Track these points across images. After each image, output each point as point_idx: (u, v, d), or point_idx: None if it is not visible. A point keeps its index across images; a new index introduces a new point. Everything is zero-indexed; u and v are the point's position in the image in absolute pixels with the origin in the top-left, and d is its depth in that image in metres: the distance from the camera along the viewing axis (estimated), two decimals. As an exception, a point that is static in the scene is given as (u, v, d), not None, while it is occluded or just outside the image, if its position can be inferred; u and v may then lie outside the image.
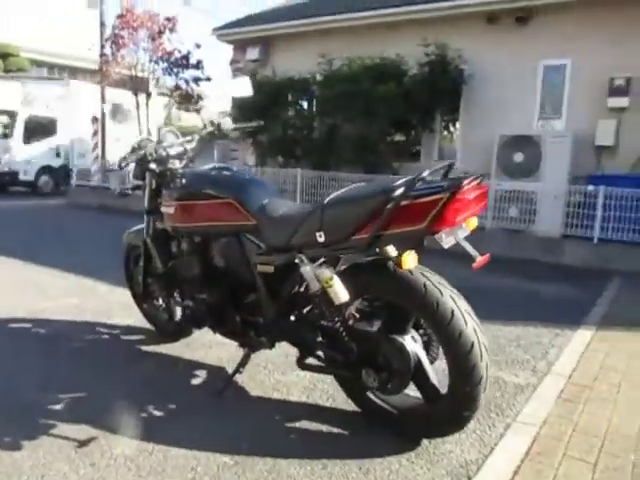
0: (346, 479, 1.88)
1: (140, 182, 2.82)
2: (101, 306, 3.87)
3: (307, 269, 2.02)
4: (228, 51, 10.71)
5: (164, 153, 2.63)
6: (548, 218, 7.00)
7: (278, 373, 2.77)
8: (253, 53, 10.09)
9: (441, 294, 1.86)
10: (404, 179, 1.83)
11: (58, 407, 2.35)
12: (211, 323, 2.53)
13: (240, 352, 2.51)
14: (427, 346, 2.10)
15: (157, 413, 2.32)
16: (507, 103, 7.76)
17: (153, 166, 2.64)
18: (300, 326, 2.21)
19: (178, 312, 3.11)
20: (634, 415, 2.43)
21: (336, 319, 2.04)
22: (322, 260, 2.08)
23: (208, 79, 11.82)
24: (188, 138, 2.76)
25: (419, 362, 2.01)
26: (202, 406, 2.39)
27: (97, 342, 3.21)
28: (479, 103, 8.09)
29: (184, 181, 2.50)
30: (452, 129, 8.58)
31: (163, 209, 2.59)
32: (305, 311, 2.20)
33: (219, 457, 1.99)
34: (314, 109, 9.12)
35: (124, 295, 3.69)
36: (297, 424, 2.27)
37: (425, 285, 1.87)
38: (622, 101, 7.00)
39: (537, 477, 1.91)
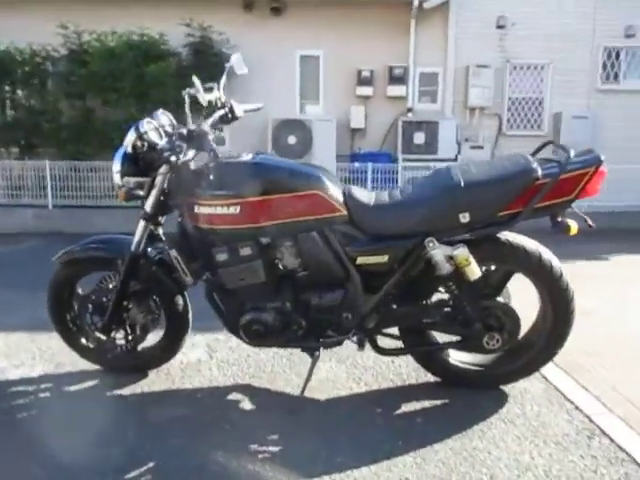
0: (512, 435, 2.06)
1: (142, 179, 2.17)
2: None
3: (439, 252, 2.06)
4: None
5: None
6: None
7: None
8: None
9: (551, 257, 2.19)
10: (529, 158, 2.07)
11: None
12: (281, 333, 2.22)
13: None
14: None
15: (270, 449, 1.98)
16: (273, 88, 8.17)
17: (174, 158, 2.09)
18: (411, 311, 2.21)
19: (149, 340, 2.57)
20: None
21: (466, 295, 2.15)
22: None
23: None
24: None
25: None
26: (294, 427, 2.14)
27: (45, 403, 2.36)
28: (247, 87, 8.25)
29: (246, 174, 2.10)
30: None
31: (206, 210, 2.10)
32: (417, 294, 2.21)
33: (400, 472, 1.89)
34: (56, 89, 7.71)
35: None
36: (401, 410, 2.27)
37: (539, 251, 2.16)
38: (368, 90, 8.26)
39: (598, 384, 2.47)
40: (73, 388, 2.49)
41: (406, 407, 2.29)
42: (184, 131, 2.14)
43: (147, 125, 2.15)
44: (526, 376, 2.42)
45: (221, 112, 2.37)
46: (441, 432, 2.07)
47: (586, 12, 8.14)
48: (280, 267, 2.19)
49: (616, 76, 8.29)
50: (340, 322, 2.24)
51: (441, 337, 2.40)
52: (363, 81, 8.25)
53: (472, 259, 2.05)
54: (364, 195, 2.20)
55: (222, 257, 2.14)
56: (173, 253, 2.19)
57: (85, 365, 2.68)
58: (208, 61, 7.59)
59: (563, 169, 1.97)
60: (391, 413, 2.25)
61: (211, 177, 2.08)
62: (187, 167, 2.16)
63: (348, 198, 2.16)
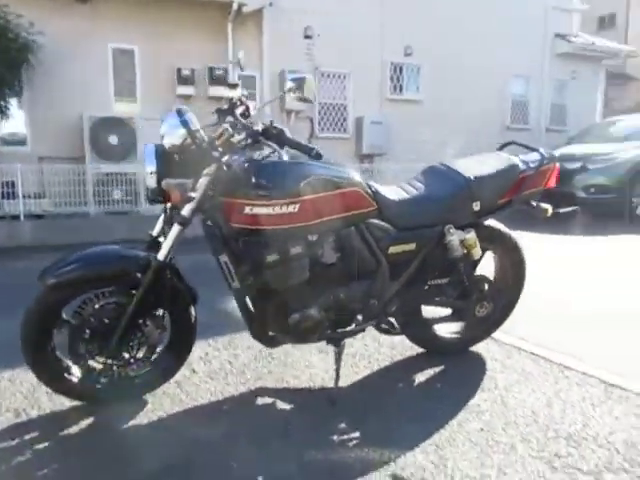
0: (514, 382, 2.52)
1: (183, 181, 1.95)
2: None
3: (455, 237, 2.40)
4: None
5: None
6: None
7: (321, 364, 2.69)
8: None
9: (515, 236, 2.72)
10: (509, 155, 2.55)
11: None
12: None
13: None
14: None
15: (351, 435, 2.06)
16: (85, 82, 7.36)
17: (226, 158, 1.95)
18: (424, 292, 2.49)
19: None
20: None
21: (467, 272, 2.52)
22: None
23: None
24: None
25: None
26: (345, 413, 2.24)
27: (56, 454, 1.95)
28: (55, 80, 7.25)
29: (302, 173, 2.08)
30: (19, 108, 7.26)
31: (262, 210, 2.00)
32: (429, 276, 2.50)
33: (471, 426, 2.17)
34: None
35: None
36: (417, 381, 2.54)
37: (509, 233, 2.68)
38: (189, 89, 8.06)
39: (529, 336, 3.12)
40: (71, 431, 2.10)
41: (418, 378, 2.57)
42: (258, 128, 2.03)
43: (195, 122, 1.97)
44: (488, 337, 2.93)
45: (241, 109, 2.28)
46: (465, 390, 2.41)
47: (374, 30, 9.38)
48: (321, 262, 2.24)
49: (400, 88, 9.77)
50: (366, 310, 2.39)
51: (428, 313, 2.75)
52: (184, 80, 8.05)
53: (477, 241, 2.44)
54: (386, 190, 2.39)
55: (272, 258, 2.10)
56: (223, 258, 2.05)
57: (51, 405, 2.28)
58: (6, 46, 6.48)
59: (541, 164, 2.50)
60: (411, 385, 2.50)
61: (269, 177, 2.03)
62: (238, 167, 2.06)
63: (375, 194, 2.33)
